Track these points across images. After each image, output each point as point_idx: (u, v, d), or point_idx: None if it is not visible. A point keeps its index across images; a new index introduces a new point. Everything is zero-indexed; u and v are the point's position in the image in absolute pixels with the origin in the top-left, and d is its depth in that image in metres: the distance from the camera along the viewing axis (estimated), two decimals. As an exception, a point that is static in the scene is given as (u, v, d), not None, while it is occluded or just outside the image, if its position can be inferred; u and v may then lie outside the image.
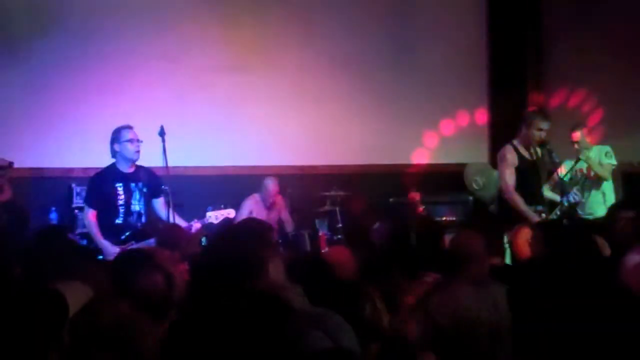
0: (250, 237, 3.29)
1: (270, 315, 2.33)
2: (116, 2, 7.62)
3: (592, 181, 6.66)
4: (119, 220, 5.41)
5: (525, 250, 4.16)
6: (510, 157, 5.89)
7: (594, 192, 6.63)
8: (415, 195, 7.61)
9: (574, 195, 5.91)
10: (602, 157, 6.64)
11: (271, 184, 7.38)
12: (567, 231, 3.86)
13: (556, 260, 3.36)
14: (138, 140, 5.46)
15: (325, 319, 2.51)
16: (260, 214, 7.30)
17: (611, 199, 6.62)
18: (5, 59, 7.30)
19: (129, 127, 5.49)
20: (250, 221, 4.49)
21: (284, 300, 2.53)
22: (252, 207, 7.34)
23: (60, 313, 2.29)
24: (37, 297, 2.30)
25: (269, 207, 7.45)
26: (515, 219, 5.39)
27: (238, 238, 3.28)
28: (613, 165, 6.65)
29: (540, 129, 5.83)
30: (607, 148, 6.71)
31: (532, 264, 3.88)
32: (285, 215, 7.55)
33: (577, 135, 6.58)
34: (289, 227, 7.52)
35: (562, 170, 6.35)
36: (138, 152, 5.46)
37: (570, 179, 6.55)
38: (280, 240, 7.27)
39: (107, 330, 2.20)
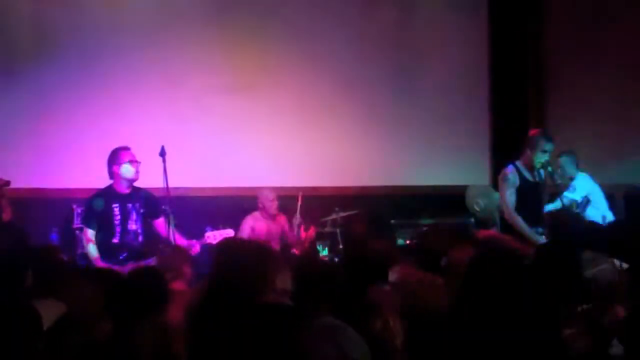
0: (250, 255, 3.28)
1: (279, 326, 2.34)
2: (118, 25, 7.69)
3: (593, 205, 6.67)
4: (115, 240, 5.43)
5: None
6: (511, 177, 5.88)
7: (593, 215, 6.65)
8: None
9: None
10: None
11: (265, 192, 7.24)
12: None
13: None
14: (137, 161, 5.48)
15: (337, 332, 2.48)
16: (261, 229, 7.21)
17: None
18: (7, 81, 7.36)
19: (127, 149, 5.52)
20: (247, 242, 4.46)
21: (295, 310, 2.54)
22: (252, 224, 7.22)
23: (34, 326, 2.42)
24: (13, 312, 2.41)
25: (270, 219, 7.26)
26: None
27: (238, 260, 3.26)
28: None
29: (545, 151, 5.84)
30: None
31: None
32: (289, 232, 7.40)
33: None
34: (293, 243, 7.34)
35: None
36: (138, 172, 5.48)
37: (572, 202, 6.56)
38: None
39: (84, 345, 2.26)
